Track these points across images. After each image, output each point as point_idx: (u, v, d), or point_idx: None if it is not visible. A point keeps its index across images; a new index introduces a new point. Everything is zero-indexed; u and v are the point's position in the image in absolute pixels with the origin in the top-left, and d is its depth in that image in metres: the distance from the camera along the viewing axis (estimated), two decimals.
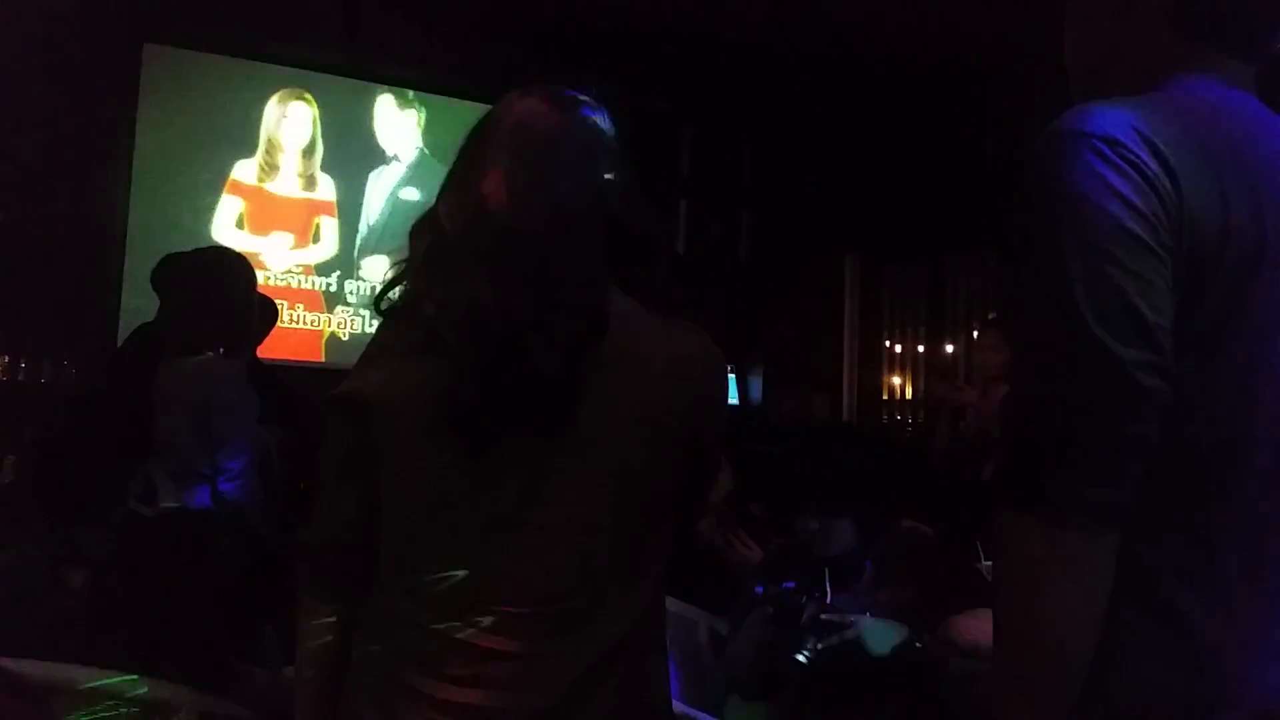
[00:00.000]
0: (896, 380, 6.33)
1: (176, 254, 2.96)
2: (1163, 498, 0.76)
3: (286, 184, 4.92)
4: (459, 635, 0.99)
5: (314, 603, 1.11)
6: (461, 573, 1.00)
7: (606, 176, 1.08)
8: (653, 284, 1.11)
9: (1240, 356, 0.77)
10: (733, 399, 5.94)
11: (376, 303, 1.10)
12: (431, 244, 1.06)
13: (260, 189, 4.84)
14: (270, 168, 4.75)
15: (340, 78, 5.13)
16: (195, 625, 2.20)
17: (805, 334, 6.23)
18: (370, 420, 1.04)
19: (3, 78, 3.99)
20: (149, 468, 2.51)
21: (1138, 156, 0.75)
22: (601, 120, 1.14)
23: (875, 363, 6.37)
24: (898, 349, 6.35)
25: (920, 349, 6.18)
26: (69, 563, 2.37)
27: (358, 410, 1.04)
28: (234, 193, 4.74)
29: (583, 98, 1.14)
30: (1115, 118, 0.78)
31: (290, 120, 4.84)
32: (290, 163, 4.88)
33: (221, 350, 2.56)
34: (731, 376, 5.97)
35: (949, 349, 6.00)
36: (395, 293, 1.10)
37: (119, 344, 3.43)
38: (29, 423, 3.65)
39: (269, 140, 4.80)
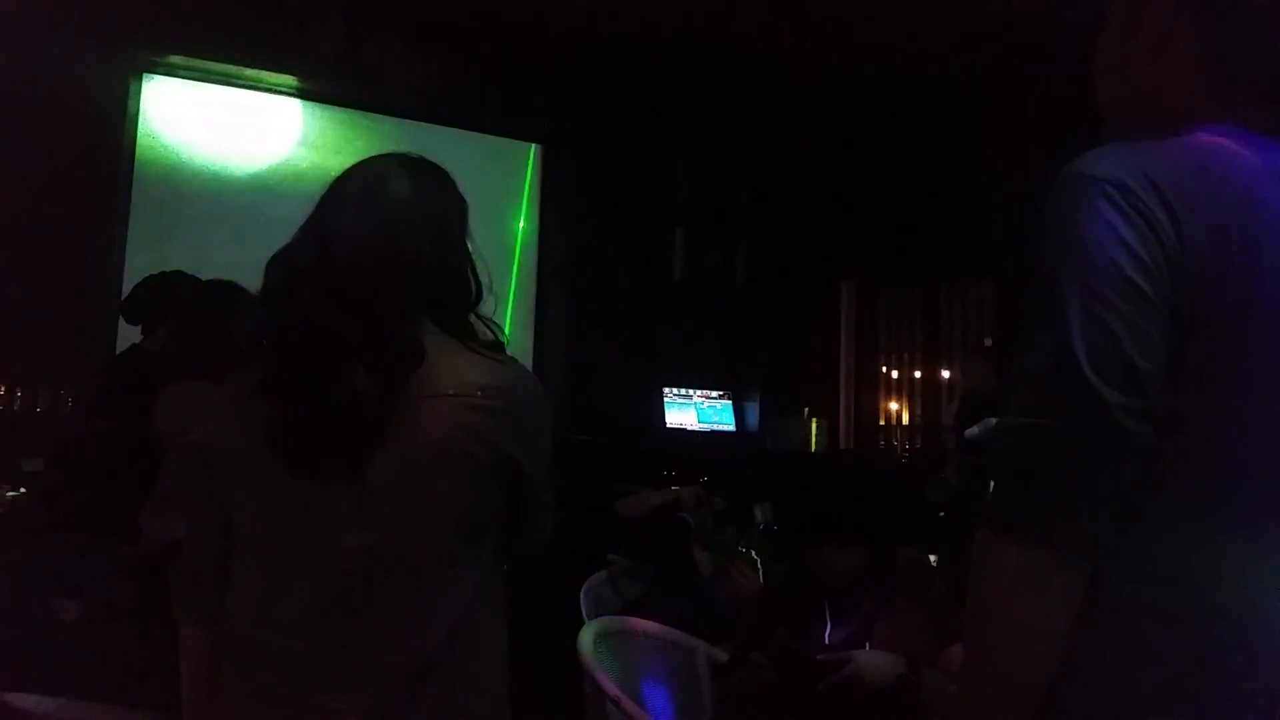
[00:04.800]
0: (893, 405, 6.34)
1: (153, 280, 2.95)
2: (1146, 536, 0.80)
3: None
4: (295, 648, 1.11)
5: (186, 630, 1.24)
6: (290, 594, 1.12)
7: (441, 232, 1.21)
8: (468, 323, 1.22)
9: (1229, 407, 0.80)
10: (730, 425, 5.94)
11: (237, 337, 1.22)
12: (281, 281, 1.18)
13: None
14: None
15: (339, 107, 5.16)
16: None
17: (801, 360, 6.24)
18: (213, 464, 1.19)
19: (1, 109, 4.01)
20: (140, 503, 2.50)
21: (1146, 205, 0.78)
22: (450, 187, 1.28)
23: (871, 388, 6.38)
24: (894, 374, 6.37)
25: (916, 374, 6.19)
26: (62, 596, 2.36)
27: (201, 457, 1.21)
28: None
29: (430, 162, 1.29)
30: (1129, 163, 0.81)
31: None
32: None
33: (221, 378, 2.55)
34: (729, 403, 5.97)
35: (945, 374, 6.01)
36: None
37: (103, 372, 3.42)
38: (25, 452, 3.64)
39: None
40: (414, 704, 1.10)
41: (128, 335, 3.85)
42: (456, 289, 1.21)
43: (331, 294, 1.12)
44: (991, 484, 0.83)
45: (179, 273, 2.94)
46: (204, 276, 3.00)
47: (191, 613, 1.23)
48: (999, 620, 0.79)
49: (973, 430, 4.37)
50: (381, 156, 1.27)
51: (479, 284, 1.24)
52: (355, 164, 1.27)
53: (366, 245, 1.15)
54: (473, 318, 1.23)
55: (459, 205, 1.27)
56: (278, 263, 1.19)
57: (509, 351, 1.27)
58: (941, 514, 4.17)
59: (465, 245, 1.24)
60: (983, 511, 0.81)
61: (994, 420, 4.27)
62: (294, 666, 1.11)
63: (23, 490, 3.41)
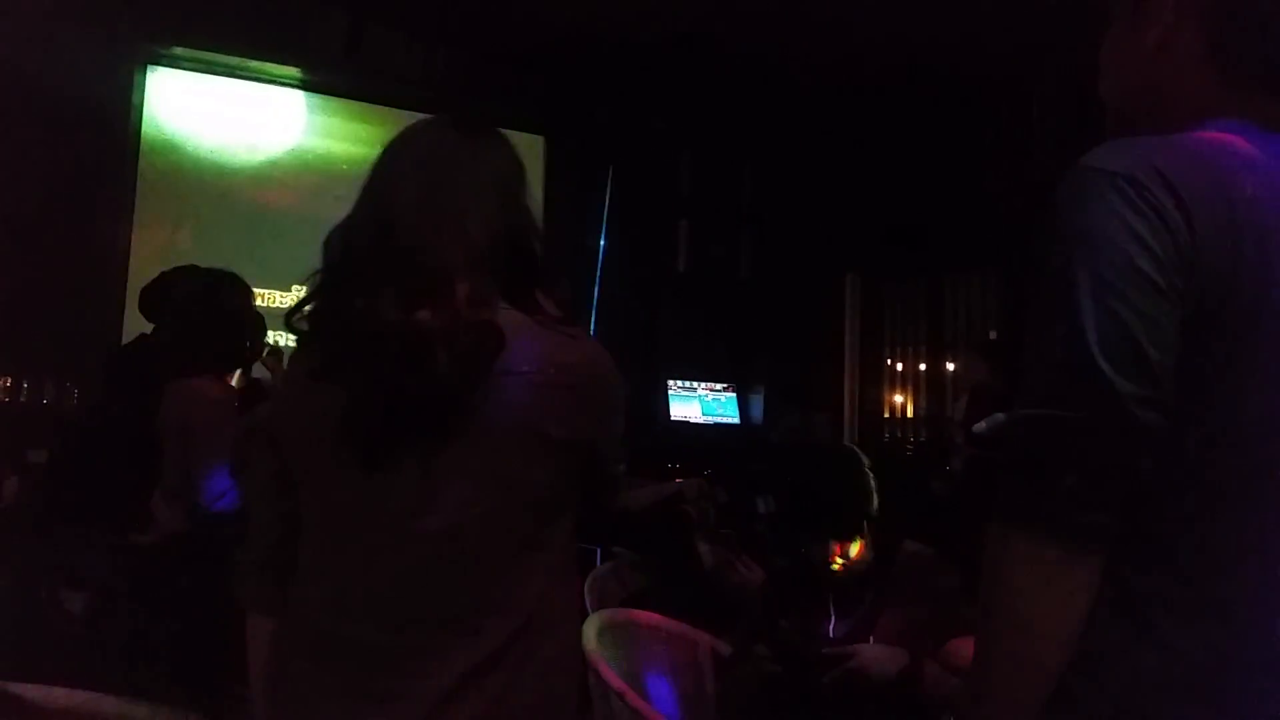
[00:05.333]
0: (898, 398, 6.34)
1: (167, 275, 2.96)
2: (1156, 529, 0.80)
3: None
4: (366, 638, 1.07)
5: (253, 619, 1.21)
6: (360, 582, 1.08)
7: (507, 200, 1.14)
8: (538, 297, 1.15)
9: (1239, 402, 0.80)
10: (734, 418, 5.94)
11: (288, 319, 1.15)
12: (341, 260, 1.12)
13: None
14: None
15: (343, 99, 5.16)
16: (194, 648, 2.20)
17: (806, 353, 6.23)
18: (280, 447, 1.14)
19: (7, 103, 4.02)
20: (150, 492, 2.51)
21: (1157, 198, 0.78)
22: (508, 149, 1.20)
23: (876, 381, 6.38)
24: (898, 367, 6.36)
25: (921, 367, 6.18)
26: (68, 587, 2.37)
27: (267, 439, 1.16)
28: None
29: (486, 124, 1.22)
30: (1139, 156, 0.81)
31: None
32: None
33: (224, 373, 2.57)
34: (732, 396, 5.97)
35: (949, 366, 6.00)
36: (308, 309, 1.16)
37: (106, 364, 3.43)
38: (31, 444, 3.66)
39: None
40: (484, 691, 1.05)
41: (133, 327, 3.86)
42: (523, 260, 1.15)
43: (399, 273, 1.05)
44: (1001, 476, 0.83)
45: (193, 267, 2.94)
46: (196, 266, 3.00)
47: (258, 600, 1.19)
48: (1011, 613, 0.79)
49: (980, 425, 4.35)
50: (436, 121, 1.20)
51: (544, 258, 1.18)
52: (409, 130, 1.20)
53: (431, 219, 1.08)
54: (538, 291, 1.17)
55: (519, 170, 1.20)
56: (336, 240, 1.13)
57: None
58: (946, 506, 4.17)
59: (528, 213, 1.17)
60: (993, 504, 0.81)
61: (1001, 416, 4.26)
62: (364, 655, 1.06)
63: (28, 481, 3.43)
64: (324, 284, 1.13)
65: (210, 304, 2.58)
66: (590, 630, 2.01)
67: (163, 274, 3.01)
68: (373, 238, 1.09)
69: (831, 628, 1.92)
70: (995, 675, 0.81)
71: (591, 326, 5.44)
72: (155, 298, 2.94)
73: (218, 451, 2.40)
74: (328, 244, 1.14)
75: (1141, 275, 0.77)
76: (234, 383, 2.76)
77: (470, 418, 1.03)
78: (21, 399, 4.23)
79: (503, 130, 1.24)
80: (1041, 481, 0.78)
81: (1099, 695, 0.80)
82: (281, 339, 3.57)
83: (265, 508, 1.19)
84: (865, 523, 1.96)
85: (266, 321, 2.78)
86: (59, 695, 1.50)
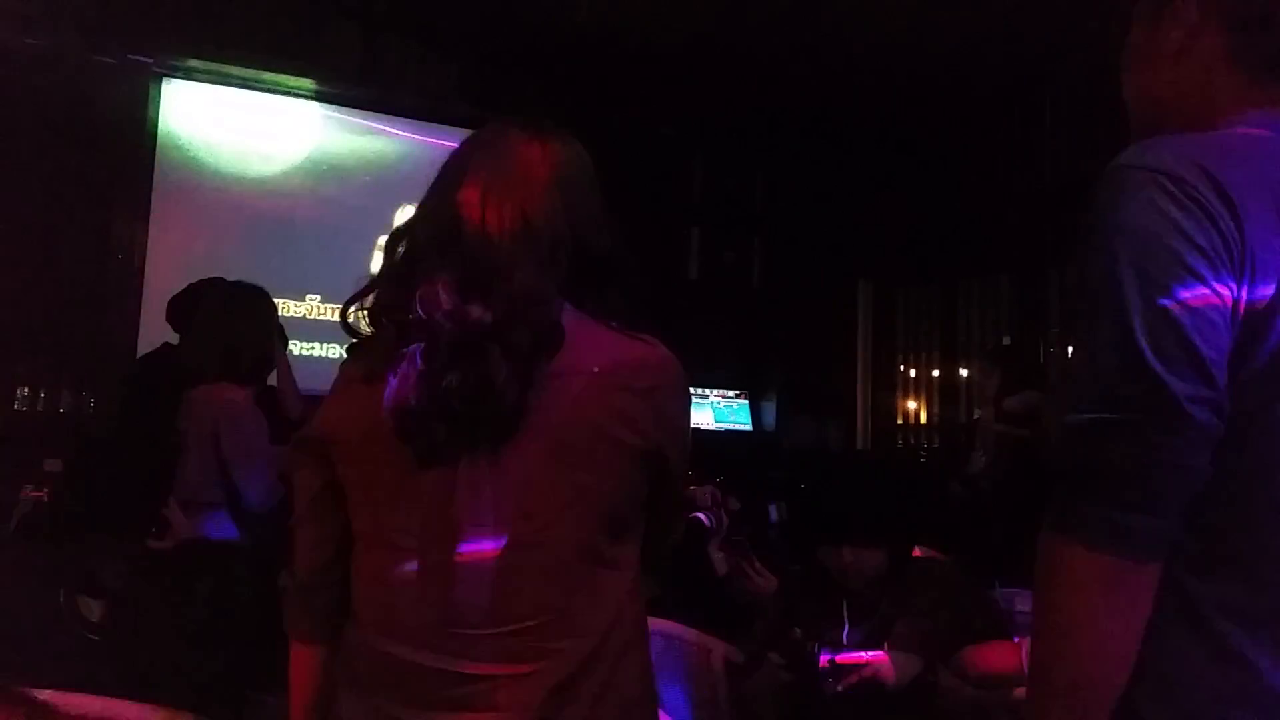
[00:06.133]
0: (911, 405, 6.32)
1: (195, 286, 3.00)
2: (1213, 532, 0.78)
3: None
4: (426, 663, 0.99)
5: (298, 643, 1.13)
6: (421, 600, 1.00)
7: (572, 199, 1.10)
8: (608, 300, 1.12)
9: None
10: (746, 425, 5.93)
11: (343, 312, 1.11)
12: (402, 254, 1.08)
13: None
14: None
15: (357, 110, 5.19)
16: (210, 654, 2.21)
17: (819, 359, 6.22)
18: (332, 457, 1.07)
19: (23, 114, 4.06)
20: (165, 500, 2.53)
21: (1200, 193, 0.76)
22: (578, 150, 1.17)
23: (889, 387, 6.36)
24: (912, 373, 6.34)
25: (935, 373, 6.16)
26: (86, 594, 2.39)
27: (319, 449, 1.08)
28: None
29: (556, 126, 1.18)
30: (1179, 153, 0.79)
31: None
32: None
33: (246, 383, 2.59)
34: (745, 403, 5.96)
35: (963, 373, 5.98)
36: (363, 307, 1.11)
37: (129, 372, 3.46)
38: (48, 453, 3.69)
39: None
40: (568, 704, 0.97)
41: (149, 336, 3.89)
42: (591, 264, 1.10)
43: (461, 272, 1.00)
44: (1052, 485, 0.80)
45: (219, 279, 2.98)
46: (224, 278, 3.04)
47: (307, 628, 1.12)
48: (1069, 627, 0.76)
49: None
50: (505, 123, 1.16)
51: (615, 257, 1.14)
52: (475, 134, 1.16)
53: (496, 219, 1.03)
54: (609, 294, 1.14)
55: (586, 169, 1.16)
56: (400, 239, 1.09)
57: None
58: (964, 508, 4.14)
59: (599, 216, 1.14)
60: (1047, 514, 0.79)
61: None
62: (420, 683, 0.99)
63: (45, 490, 3.45)
64: (382, 276, 1.08)
65: (243, 316, 2.62)
66: None
67: (191, 285, 3.04)
68: (434, 232, 1.06)
69: (845, 635, 1.91)
70: (1055, 693, 0.78)
71: None
72: (185, 308, 2.97)
73: (256, 454, 2.43)
74: (391, 242, 1.10)
75: (1190, 271, 0.75)
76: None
77: (533, 419, 0.98)
78: (38, 408, 4.27)
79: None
80: (1095, 487, 0.75)
81: (1166, 706, 0.77)
82: (297, 349, 3.58)
83: (315, 526, 1.11)
84: (882, 529, 1.95)
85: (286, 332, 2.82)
86: (78, 700, 1.52)
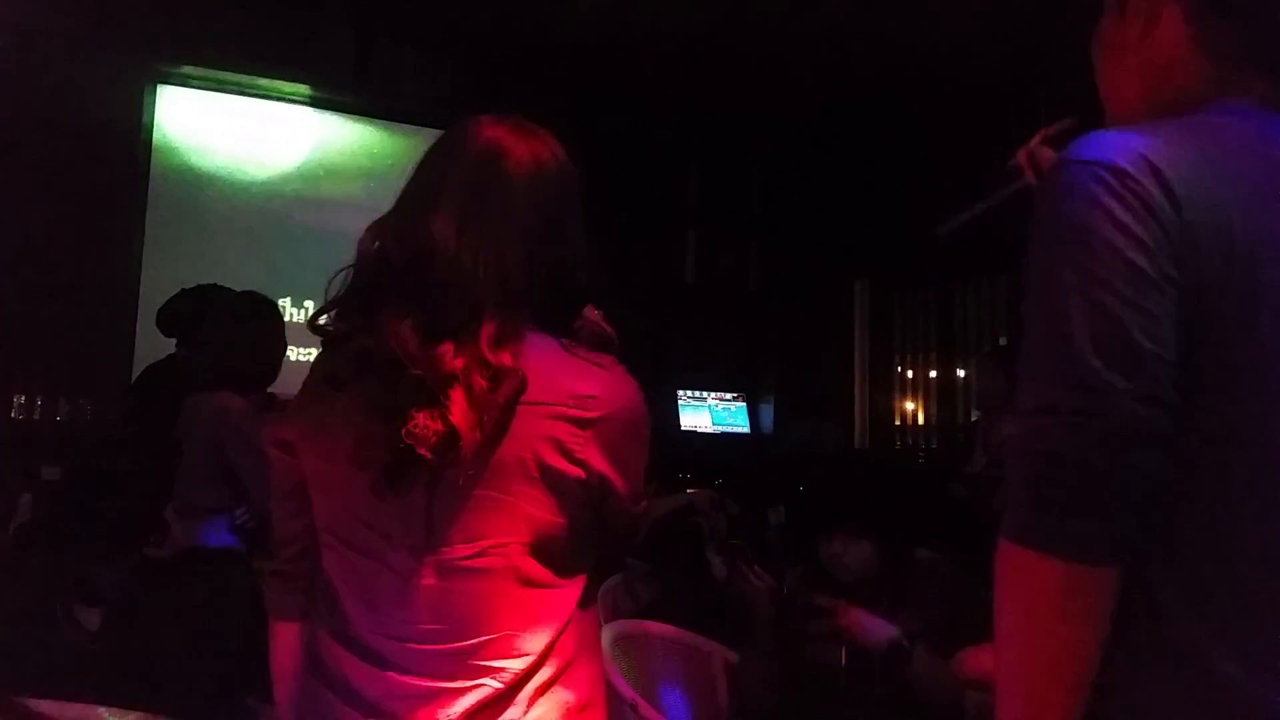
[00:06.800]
0: (909, 405, 6.32)
1: (190, 293, 2.99)
2: (1176, 530, 0.76)
3: None
4: (371, 668, 1.03)
5: (281, 623, 1.18)
6: (371, 608, 1.04)
7: (552, 227, 1.09)
8: (574, 326, 1.13)
9: (1251, 391, 0.76)
10: (744, 427, 5.93)
11: (312, 321, 1.12)
12: (373, 271, 1.07)
13: None
14: None
15: (353, 115, 5.20)
16: (208, 663, 2.20)
17: (816, 361, 6.22)
18: (297, 453, 1.11)
19: (17, 121, 4.06)
20: (165, 507, 2.53)
21: (1141, 185, 0.74)
22: (560, 161, 1.14)
23: (887, 388, 6.36)
24: (909, 374, 6.34)
25: (932, 374, 6.16)
26: (84, 602, 2.38)
27: (286, 445, 1.12)
28: None
29: (544, 133, 1.15)
30: (1123, 146, 0.77)
31: None
32: None
33: (247, 390, 2.59)
34: (743, 405, 5.96)
35: (960, 374, 5.98)
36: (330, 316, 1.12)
37: (133, 381, 3.45)
38: (45, 460, 3.68)
39: None
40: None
41: (147, 343, 3.89)
42: (562, 292, 1.10)
43: (431, 313, 1.01)
44: (1005, 491, 0.78)
45: (214, 286, 2.97)
46: (218, 285, 3.04)
47: (284, 607, 1.17)
48: (1028, 637, 0.75)
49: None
50: (485, 124, 1.12)
51: (587, 282, 1.13)
52: (457, 132, 1.12)
53: (472, 260, 1.02)
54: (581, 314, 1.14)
55: (568, 182, 1.13)
56: (371, 244, 1.08)
57: None
58: (964, 509, 4.14)
59: (574, 239, 1.11)
60: (1003, 521, 0.77)
61: None
62: (363, 687, 1.03)
63: (43, 498, 3.45)
64: (353, 291, 1.08)
65: (250, 324, 2.62)
66: (603, 641, 2.01)
67: (184, 291, 3.03)
68: (408, 255, 1.04)
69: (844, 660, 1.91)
70: (1017, 700, 0.76)
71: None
72: (180, 314, 2.97)
73: (256, 464, 2.43)
74: (363, 244, 1.09)
75: (1131, 266, 0.73)
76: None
77: (476, 450, 0.99)
78: (35, 416, 4.26)
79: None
80: (1045, 493, 0.73)
81: (1126, 707, 0.76)
82: (294, 354, 3.58)
83: (288, 519, 1.16)
84: (870, 520, 1.96)
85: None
86: (75, 710, 1.51)
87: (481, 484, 1.01)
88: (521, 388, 1.00)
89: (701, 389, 5.83)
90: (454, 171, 1.08)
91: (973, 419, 5.21)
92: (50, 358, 4.26)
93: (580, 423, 1.03)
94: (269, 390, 2.96)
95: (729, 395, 5.93)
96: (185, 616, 2.30)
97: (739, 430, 5.90)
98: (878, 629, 1.70)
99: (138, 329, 4.40)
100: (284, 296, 4.85)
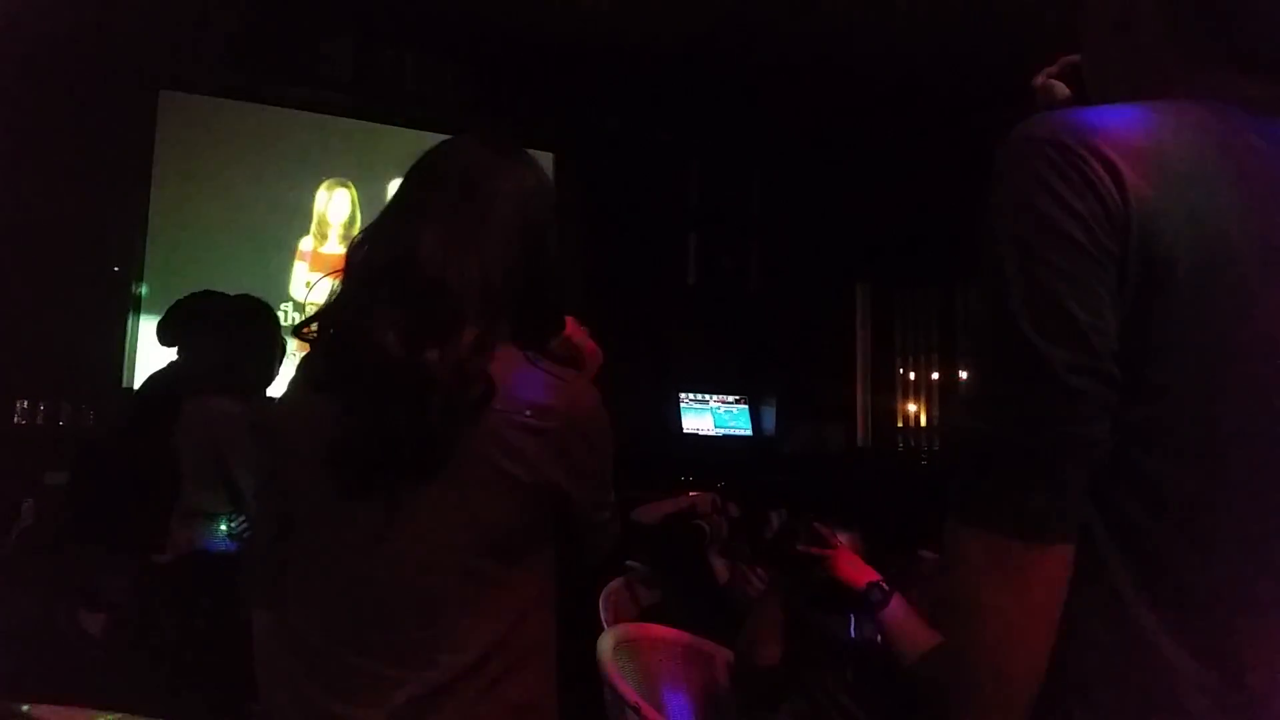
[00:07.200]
0: (911, 407, 6.32)
1: (185, 302, 3.00)
2: (1135, 518, 0.74)
3: (333, 246, 5.19)
4: (332, 653, 1.10)
5: (259, 610, 1.25)
6: (341, 602, 1.11)
7: (532, 242, 1.15)
8: (546, 340, 1.18)
9: (1205, 373, 0.74)
10: (746, 430, 5.93)
11: (298, 329, 1.18)
12: (360, 279, 1.13)
13: (316, 252, 5.19)
14: (322, 236, 5.27)
15: (353, 119, 5.21)
16: (211, 669, 2.20)
17: (818, 363, 6.22)
18: (276, 448, 1.18)
19: (21, 125, 4.06)
20: (166, 513, 2.53)
21: (1082, 158, 0.74)
22: (537, 174, 1.20)
23: (889, 390, 6.35)
24: (911, 376, 6.34)
25: (934, 375, 6.16)
26: (87, 608, 2.38)
27: (266, 438, 1.21)
28: (300, 259, 5.17)
29: (524, 153, 1.21)
30: (1067, 124, 0.77)
31: (335, 202, 5.29)
32: (335, 232, 5.26)
33: (244, 395, 2.59)
34: (745, 408, 5.96)
35: (963, 375, 5.98)
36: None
37: (136, 389, 3.46)
38: (48, 466, 3.68)
39: (320, 217, 5.23)
40: (440, 712, 1.07)
41: (149, 350, 3.90)
42: (538, 305, 1.16)
43: (415, 322, 1.06)
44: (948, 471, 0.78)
45: (209, 292, 2.98)
46: (212, 291, 3.04)
47: (256, 594, 1.25)
48: (973, 620, 0.73)
49: None
50: (469, 140, 1.19)
51: (563, 297, 1.20)
52: (441, 148, 1.19)
53: (453, 258, 1.08)
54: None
55: (548, 199, 1.20)
56: (358, 254, 1.14)
57: None
58: None
59: (551, 254, 1.17)
60: (948, 500, 0.76)
61: None
62: (327, 675, 1.10)
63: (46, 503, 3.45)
64: (341, 299, 1.14)
65: (246, 330, 2.62)
66: (605, 644, 2.01)
67: (180, 301, 3.04)
68: (393, 265, 1.09)
69: (852, 628, 1.92)
70: (965, 685, 0.74)
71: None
72: (177, 323, 2.97)
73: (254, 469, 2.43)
74: (350, 253, 1.14)
75: (1068, 239, 0.72)
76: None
77: (444, 454, 1.05)
78: (38, 421, 4.26)
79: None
80: (986, 468, 0.73)
81: (1090, 712, 0.74)
82: (297, 359, 3.58)
83: (263, 505, 1.24)
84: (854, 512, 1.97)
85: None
86: (77, 716, 1.52)
87: (442, 484, 1.06)
88: (490, 394, 1.06)
89: (703, 391, 5.83)
90: (439, 187, 1.14)
91: None
92: (53, 363, 4.26)
93: (536, 431, 1.08)
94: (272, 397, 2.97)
95: (731, 398, 5.93)
96: (189, 622, 2.30)
97: (741, 432, 5.89)
98: (858, 570, 1.72)
99: (140, 335, 4.42)
100: (286, 302, 4.87)
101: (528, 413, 1.07)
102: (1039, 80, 1.09)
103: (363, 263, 1.13)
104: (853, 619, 1.92)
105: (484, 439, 1.06)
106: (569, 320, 1.27)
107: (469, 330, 1.06)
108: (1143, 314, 0.73)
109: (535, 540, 1.13)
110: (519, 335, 1.13)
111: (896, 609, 1.64)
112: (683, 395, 5.74)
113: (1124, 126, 0.77)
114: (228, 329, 2.64)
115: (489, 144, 1.19)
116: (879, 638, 1.68)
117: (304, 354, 1.20)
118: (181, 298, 3.05)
